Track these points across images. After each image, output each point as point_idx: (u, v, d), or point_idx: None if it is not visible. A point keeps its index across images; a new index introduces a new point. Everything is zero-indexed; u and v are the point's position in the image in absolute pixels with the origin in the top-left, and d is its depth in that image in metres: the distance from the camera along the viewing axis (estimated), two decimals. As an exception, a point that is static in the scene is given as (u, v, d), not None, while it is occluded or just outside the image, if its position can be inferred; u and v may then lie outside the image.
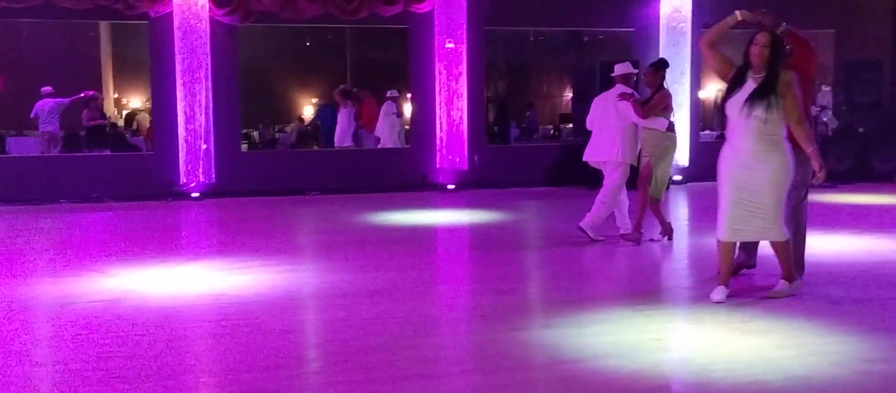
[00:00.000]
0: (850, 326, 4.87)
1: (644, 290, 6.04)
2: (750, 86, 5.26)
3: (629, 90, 7.78)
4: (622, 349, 4.48)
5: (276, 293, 5.92)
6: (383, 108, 14.46)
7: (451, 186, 12.84)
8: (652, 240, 7.89)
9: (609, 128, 7.80)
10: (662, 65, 7.78)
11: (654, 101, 7.60)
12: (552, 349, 4.55)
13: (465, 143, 12.91)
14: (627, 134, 7.75)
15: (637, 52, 13.54)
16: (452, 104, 12.81)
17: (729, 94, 5.37)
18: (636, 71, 8.38)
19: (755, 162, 5.25)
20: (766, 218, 5.29)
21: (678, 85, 13.26)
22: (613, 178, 7.85)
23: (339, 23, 12.93)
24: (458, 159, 12.90)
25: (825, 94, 13.92)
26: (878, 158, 13.19)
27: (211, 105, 11.99)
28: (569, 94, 19.68)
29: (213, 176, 12.09)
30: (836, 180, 12.33)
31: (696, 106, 14.22)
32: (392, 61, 16.97)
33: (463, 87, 12.83)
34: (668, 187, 7.81)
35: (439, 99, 12.84)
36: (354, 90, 15.40)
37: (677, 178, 13.05)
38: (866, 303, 5.43)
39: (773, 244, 5.45)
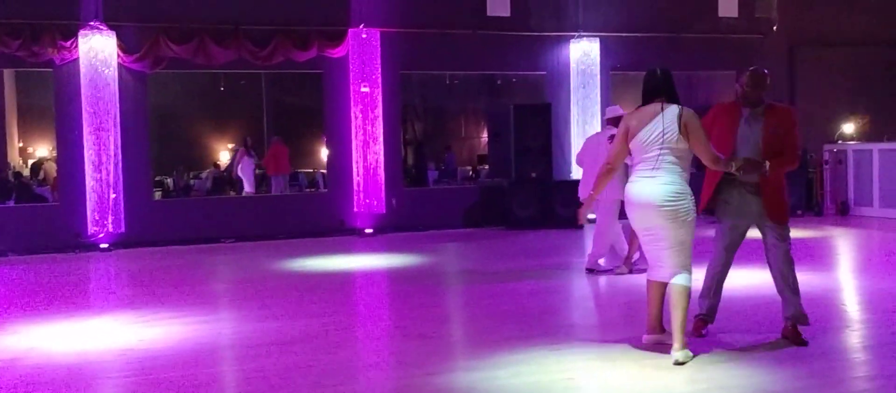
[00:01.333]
0: (755, 359, 5.03)
1: (558, 329, 6.10)
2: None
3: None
4: (536, 390, 4.52)
5: (187, 346, 5.77)
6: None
7: (369, 231, 12.79)
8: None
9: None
10: None
11: None
12: (468, 393, 4.55)
13: (382, 187, 12.91)
14: (620, 173, 8.12)
15: (549, 95, 13.86)
16: (369, 148, 12.82)
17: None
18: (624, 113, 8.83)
19: None
20: None
21: (588, 126, 13.59)
22: (607, 214, 8.37)
23: (253, 68, 12.85)
24: (375, 203, 12.88)
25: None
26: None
27: (120, 153, 11.71)
28: (486, 136, 19.93)
29: (123, 226, 11.76)
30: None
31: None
32: (309, 106, 16.93)
33: (379, 130, 12.87)
34: None
35: (356, 143, 12.83)
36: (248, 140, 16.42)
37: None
38: (772, 335, 5.60)
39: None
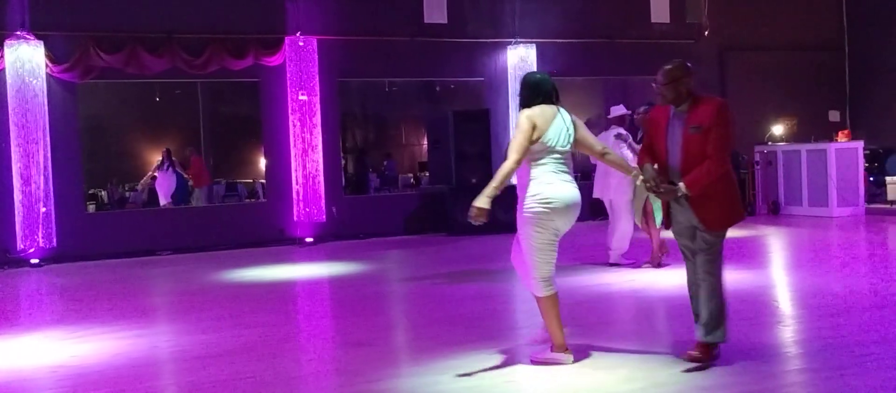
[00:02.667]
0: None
1: (499, 332, 6.13)
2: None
3: (625, 132, 8.54)
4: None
5: (121, 360, 5.63)
6: None
7: (309, 239, 12.69)
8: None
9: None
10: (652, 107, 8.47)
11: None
12: (409, 399, 4.54)
13: (322, 196, 12.82)
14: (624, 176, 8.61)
15: (488, 101, 13.94)
16: (308, 156, 12.72)
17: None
18: (629, 112, 9.05)
19: None
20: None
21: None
22: (625, 213, 8.71)
23: (187, 77, 12.64)
24: (315, 212, 12.79)
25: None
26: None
27: (50, 165, 11.40)
28: (426, 143, 19.91)
29: (55, 240, 11.44)
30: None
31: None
32: (247, 115, 16.72)
33: (318, 138, 12.78)
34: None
35: (294, 151, 12.72)
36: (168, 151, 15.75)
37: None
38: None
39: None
